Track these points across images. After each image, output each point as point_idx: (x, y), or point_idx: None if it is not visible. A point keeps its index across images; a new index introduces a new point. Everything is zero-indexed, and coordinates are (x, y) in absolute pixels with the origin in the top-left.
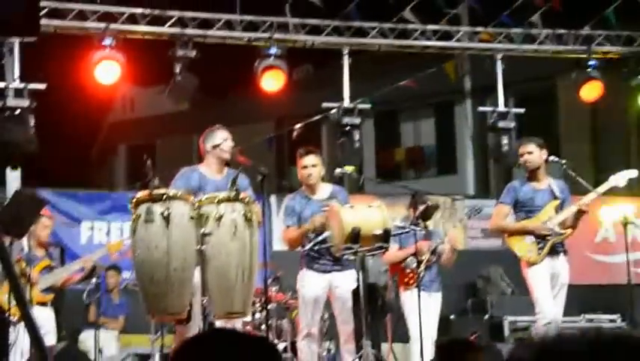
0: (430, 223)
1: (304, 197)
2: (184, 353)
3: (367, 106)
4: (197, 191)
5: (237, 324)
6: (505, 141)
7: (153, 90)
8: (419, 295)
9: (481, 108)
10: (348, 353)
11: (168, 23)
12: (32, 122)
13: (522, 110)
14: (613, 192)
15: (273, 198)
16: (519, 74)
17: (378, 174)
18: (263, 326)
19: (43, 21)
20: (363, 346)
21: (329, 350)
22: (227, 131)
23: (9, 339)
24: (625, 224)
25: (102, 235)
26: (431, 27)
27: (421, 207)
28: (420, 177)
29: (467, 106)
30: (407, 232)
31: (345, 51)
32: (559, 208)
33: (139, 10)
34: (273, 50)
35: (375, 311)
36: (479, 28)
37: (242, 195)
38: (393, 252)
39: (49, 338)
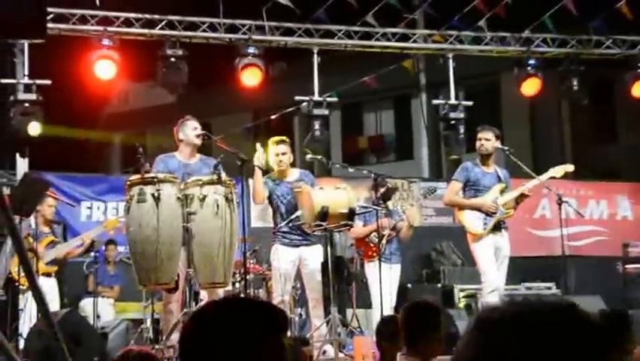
0: (389, 203)
1: (274, 180)
2: (204, 317)
3: (334, 99)
4: (175, 173)
5: (220, 293)
6: (460, 129)
7: (145, 85)
8: (380, 267)
9: (434, 101)
10: (317, 318)
11: (158, 26)
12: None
13: (470, 103)
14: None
15: (250, 181)
16: (467, 71)
17: (344, 159)
18: (242, 295)
19: (50, 25)
20: (331, 311)
21: (300, 316)
22: (196, 121)
23: (19, 305)
24: (560, 203)
25: (100, 213)
26: (391, 30)
27: (382, 189)
28: (381, 162)
29: (422, 99)
30: (370, 211)
31: (315, 50)
32: (503, 191)
33: (133, 15)
34: (251, 50)
35: (342, 281)
36: (433, 31)
37: (223, 178)
38: (358, 228)
39: (53, 304)
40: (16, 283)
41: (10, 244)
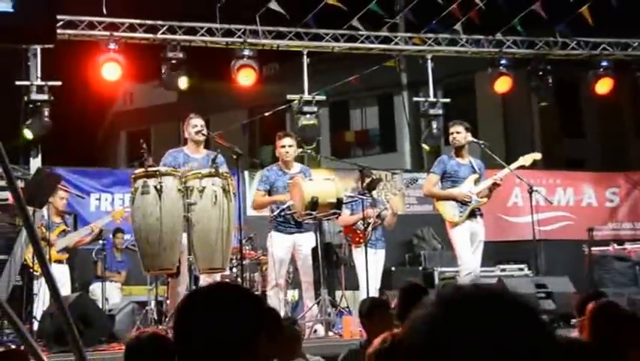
0: (374, 193)
1: (280, 170)
2: (192, 300)
3: (323, 98)
4: (183, 166)
5: (217, 277)
6: (434, 124)
7: (149, 85)
8: (366, 252)
9: (415, 99)
10: (309, 300)
11: (161, 31)
12: (47, 113)
13: (448, 100)
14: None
15: (246, 173)
16: (445, 71)
17: (332, 152)
18: (239, 279)
19: (60, 30)
20: (321, 293)
21: (293, 297)
22: (200, 119)
23: (33, 290)
24: (530, 192)
25: (107, 204)
26: (374, 33)
27: (367, 180)
28: (366, 155)
29: (404, 97)
30: (356, 201)
31: (305, 52)
32: (477, 181)
33: (137, 21)
34: (246, 52)
35: (331, 265)
36: (413, 34)
37: (220, 171)
38: (346, 217)
39: (65, 289)
40: (31, 270)
41: (25, 234)
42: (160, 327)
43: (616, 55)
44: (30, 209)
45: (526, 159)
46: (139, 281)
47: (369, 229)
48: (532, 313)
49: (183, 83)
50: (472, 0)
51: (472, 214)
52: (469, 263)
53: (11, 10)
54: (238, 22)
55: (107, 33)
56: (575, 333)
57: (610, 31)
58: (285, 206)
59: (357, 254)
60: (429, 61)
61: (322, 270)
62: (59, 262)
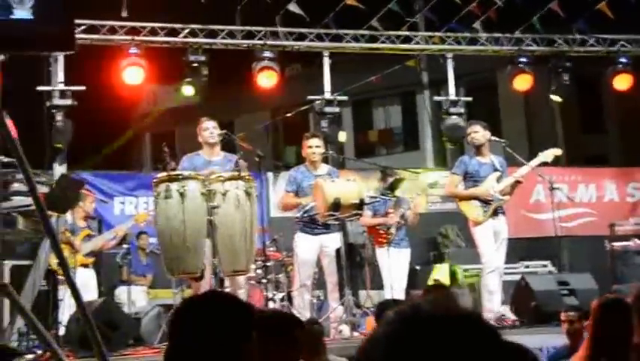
0: (398, 193)
1: (307, 170)
2: (185, 309)
3: (344, 98)
4: (203, 170)
5: (241, 279)
6: (454, 121)
7: (171, 87)
8: (390, 252)
9: (436, 98)
10: (334, 300)
11: (182, 34)
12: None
13: (469, 99)
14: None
15: (269, 175)
16: (466, 69)
17: (356, 151)
18: (263, 280)
19: (82, 35)
20: (345, 294)
21: (318, 298)
22: (211, 121)
23: (59, 295)
24: (551, 189)
25: (132, 207)
26: (394, 33)
27: (389, 180)
28: (390, 154)
29: (426, 96)
30: (379, 201)
31: (326, 54)
32: (499, 179)
33: (158, 25)
34: (267, 54)
35: (355, 266)
36: (433, 34)
37: (243, 174)
38: (367, 218)
39: (91, 293)
40: (56, 275)
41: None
42: None
43: (633, 51)
44: (53, 215)
45: (547, 155)
46: (164, 285)
47: (393, 229)
48: (488, 332)
49: (190, 91)
50: None
51: (495, 212)
52: (492, 261)
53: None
54: (258, 24)
55: (129, 37)
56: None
57: (628, 27)
58: (308, 207)
59: (381, 254)
60: (449, 60)
61: (346, 271)
62: (86, 266)
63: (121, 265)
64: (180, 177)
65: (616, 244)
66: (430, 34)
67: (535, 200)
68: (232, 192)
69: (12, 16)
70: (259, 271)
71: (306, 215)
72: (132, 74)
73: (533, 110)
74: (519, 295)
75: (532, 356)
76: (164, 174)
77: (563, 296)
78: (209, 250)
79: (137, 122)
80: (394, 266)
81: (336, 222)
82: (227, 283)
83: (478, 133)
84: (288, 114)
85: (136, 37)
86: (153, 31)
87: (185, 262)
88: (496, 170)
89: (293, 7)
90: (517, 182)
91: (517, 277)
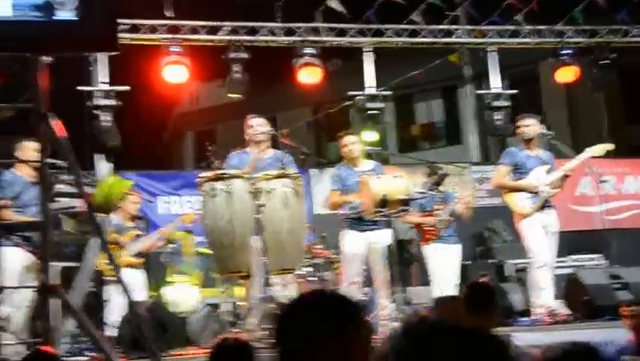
0: (444, 188)
1: (349, 168)
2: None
3: (389, 93)
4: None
5: (289, 277)
6: (499, 116)
7: (213, 84)
8: (439, 248)
9: (478, 91)
10: (383, 298)
11: (223, 32)
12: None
13: (514, 92)
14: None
15: (312, 172)
16: (509, 61)
17: (399, 146)
18: (310, 278)
19: (124, 35)
20: (395, 291)
21: (367, 295)
22: (256, 118)
23: (103, 297)
24: (601, 182)
25: (176, 207)
26: (436, 27)
27: (436, 176)
28: (432, 148)
29: (468, 90)
30: (427, 197)
31: (367, 49)
32: (548, 172)
33: (199, 23)
34: (308, 50)
35: (404, 262)
36: (475, 27)
37: (289, 172)
38: (412, 215)
39: (142, 294)
40: (102, 276)
41: (96, 241)
42: (234, 330)
43: None
44: (100, 215)
45: (597, 150)
46: (210, 283)
47: (441, 225)
48: (493, 348)
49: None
50: None
51: (544, 205)
52: (541, 256)
53: (75, 18)
54: (299, 20)
55: (170, 36)
56: None
57: None
58: (354, 205)
59: (428, 250)
60: (492, 53)
61: (395, 267)
62: (134, 267)
63: (167, 265)
64: (225, 175)
65: None
66: (471, 27)
67: (581, 193)
68: (279, 191)
69: (54, 17)
70: (307, 269)
71: (352, 212)
72: (174, 73)
73: (576, 101)
74: (570, 289)
75: None
76: (210, 173)
77: (616, 290)
78: (257, 249)
79: (178, 120)
80: (443, 263)
81: (383, 219)
82: (275, 281)
83: (530, 127)
84: (330, 110)
85: (177, 36)
86: (193, 30)
87: (233, 260)
88: (544, 163)
89: (333, 4)
90: (566, 176)
91: (565, 271)
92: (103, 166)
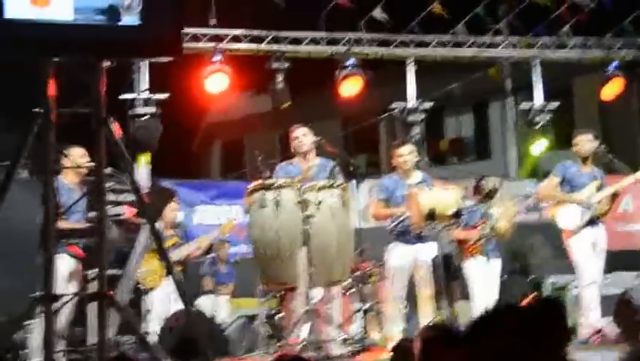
0: (492, 202)
1: (399, 179)
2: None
3: (430, 104)
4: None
5: (335, 290)
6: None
7: (242, 95)
8: (479, 264)
9: (523, 105)
10: (425, 315)
11: (265, 41)
12: (160, 127)
13: (557, 104)
14: None
15: (353, 183)
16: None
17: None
18: (351, 290)
19: None
20: (441, 306)
21: (406, 308)
22: (299, 129)
23: (141, 306)
24: None
25: (212, 216)
26: (480, 38)
27: (486, 190)
28: (461, 163)
29: (507, 103)
30: (475, 211)
31: (410, 60)
32: (599, 188)
33: (241, 31)
34: (351, 61)
35: (449, 277)
36: (519, 38)
37: (337, 183)
38: (460, 230)
39: (179, 304)
40: (140, 285)
41: (139, 249)
42: (278, 344)
43: None
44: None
45: None
46: (245, 293)
47: (482, 241)
48: None
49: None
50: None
51: (593, 222)
52: (589, 273)
53: (138, 23)
54: (342, 29)
55: (212, 44)
56: None
57: None
58: (402, 218)
59: (469, 265)
60: (536, 66)
61: (441, 282)
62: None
63: (203, 274)
64: (275, 185)
65: None
66: (517, 38)
67: (623, 210)
68: (327, 202)
69: (120, 23)
70: (346, 282)
71: (399, 225)
72: (216, 82)
73: (610, 117)
74: (621, 309)
75: None
76: (259, 182)
77: None
78: (303, 260)
79: (208, 130)
80: (484, 278)
81: (430, 233)
82: (320, 293)
83: (586, 143)
84: (366, 122)
85: (219, 45)
86: (236, 39)
87: (280, 272)
88: (595, 179)
89: (377, 14)
90: (616, 194)
91: (610, 290)
92: (143, 173)
